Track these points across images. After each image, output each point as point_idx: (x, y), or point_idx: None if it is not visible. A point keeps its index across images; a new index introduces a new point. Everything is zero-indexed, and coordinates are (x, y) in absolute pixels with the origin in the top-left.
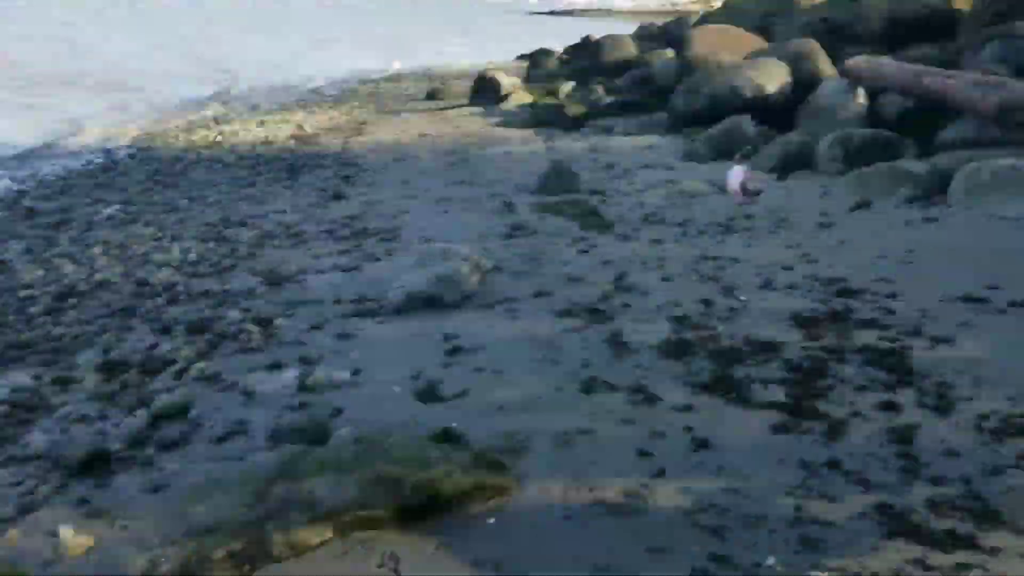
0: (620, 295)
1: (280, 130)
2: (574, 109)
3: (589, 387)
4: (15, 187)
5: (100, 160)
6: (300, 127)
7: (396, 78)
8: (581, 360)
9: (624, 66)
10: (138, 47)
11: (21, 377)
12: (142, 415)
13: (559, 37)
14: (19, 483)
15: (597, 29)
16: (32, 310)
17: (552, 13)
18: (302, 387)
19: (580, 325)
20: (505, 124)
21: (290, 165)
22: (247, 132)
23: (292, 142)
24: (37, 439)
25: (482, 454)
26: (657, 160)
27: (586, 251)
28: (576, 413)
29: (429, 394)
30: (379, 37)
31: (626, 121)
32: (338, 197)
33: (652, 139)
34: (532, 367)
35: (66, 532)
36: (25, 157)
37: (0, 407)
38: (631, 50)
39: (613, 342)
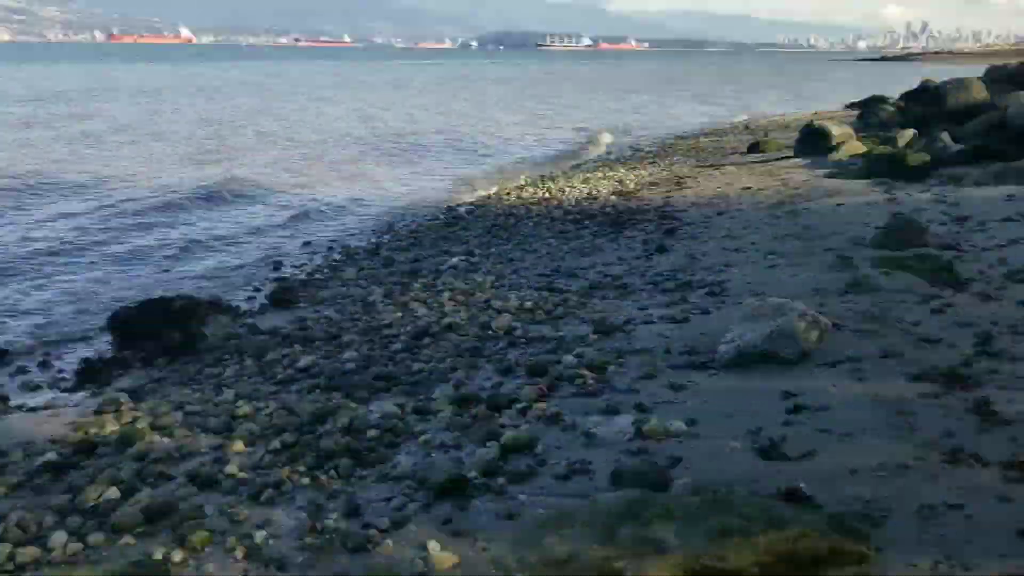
0: (985, 360)
1: (602, 186)
2: (916, 158)
3: (955, 458)
4: (374, 239)
5: (443, 216)
6: (621, 183)
7: (715, 132)
8: (943, 429)
9: (971, 111)
10: (498, 115)
11: (388, 405)
12: (493, 447)
13: (891, 84)
14: (390, 499)
15: (935, 73)
16: (394, 347)
17: (883, 59)
18: (639, 434)
19: (938, 391)
20: (836, 175)
21: (612, 219)
22: (572, 189)
23: (614, 197)
24: (403, 461)
25: (838, 518)
26: (1022, 212)
27: (940, 311)
28: (941, 485)
29: (771, 451)
30: (696, 95)
31: (979, 170)
32: (661, 250)
33: (1012, 189)
34: (885, 432)
35: (434, 548)
36: (382, 213)
37: (371, 431)
38: (981, 94)
39: (980, 411)
